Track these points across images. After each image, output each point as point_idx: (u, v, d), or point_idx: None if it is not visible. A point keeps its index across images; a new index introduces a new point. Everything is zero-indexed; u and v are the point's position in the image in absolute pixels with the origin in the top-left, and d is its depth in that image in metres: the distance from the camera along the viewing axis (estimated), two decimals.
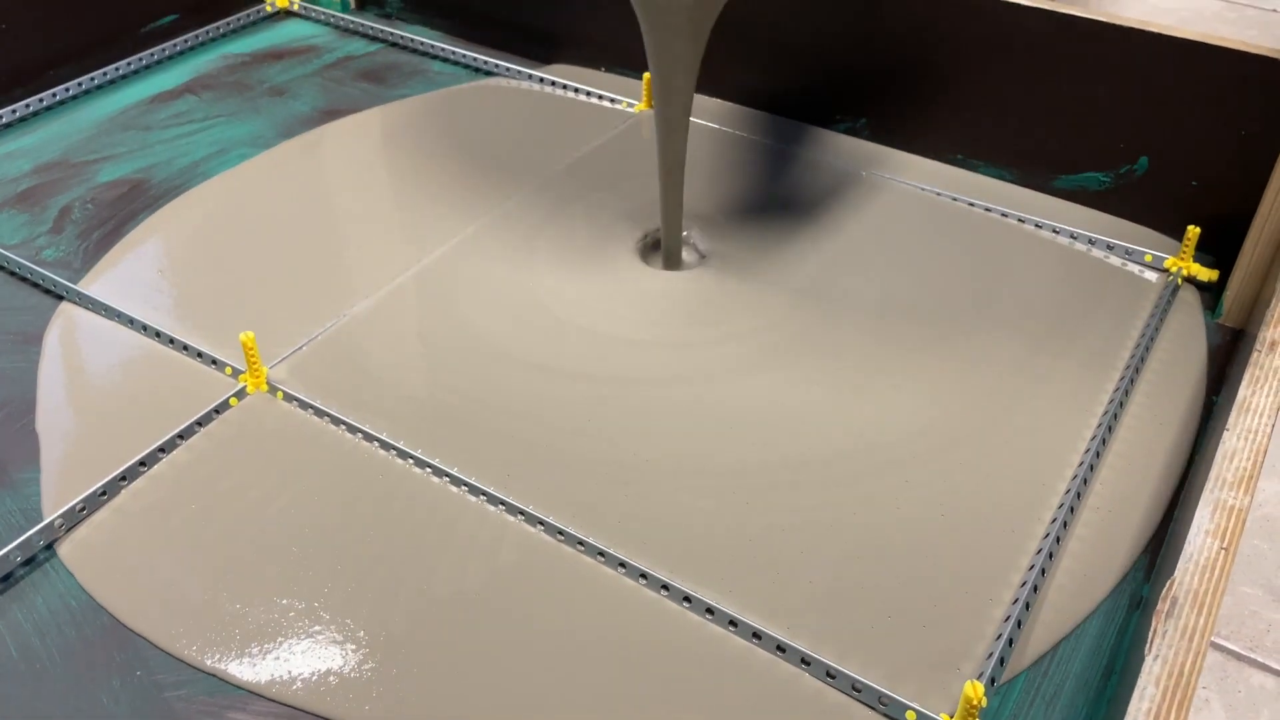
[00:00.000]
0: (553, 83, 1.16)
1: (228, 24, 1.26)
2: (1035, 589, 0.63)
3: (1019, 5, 0.93)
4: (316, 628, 0.61)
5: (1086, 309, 0.85)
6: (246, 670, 0.59)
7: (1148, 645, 0.43)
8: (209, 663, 0.59)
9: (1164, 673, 0.41)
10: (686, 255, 0.91)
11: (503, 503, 0.68)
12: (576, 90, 1.14)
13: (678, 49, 0.79)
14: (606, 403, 0.76)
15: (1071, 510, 0.68)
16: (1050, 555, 0.65)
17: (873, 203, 0.97)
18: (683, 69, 0.80)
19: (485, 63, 1.19)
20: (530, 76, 1.17)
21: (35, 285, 0.87)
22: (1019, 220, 0.95)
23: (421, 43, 1.23)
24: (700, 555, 0.65)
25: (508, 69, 1.18)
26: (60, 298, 0.86)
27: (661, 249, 0.89)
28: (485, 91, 1.17)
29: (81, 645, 0.60)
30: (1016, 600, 0.62)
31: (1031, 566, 0.64)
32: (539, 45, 1.22)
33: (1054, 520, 0.67)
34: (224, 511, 0.68)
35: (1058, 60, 0.93)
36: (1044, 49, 0.93)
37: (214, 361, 0.78)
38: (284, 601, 0.62)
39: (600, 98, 1.13)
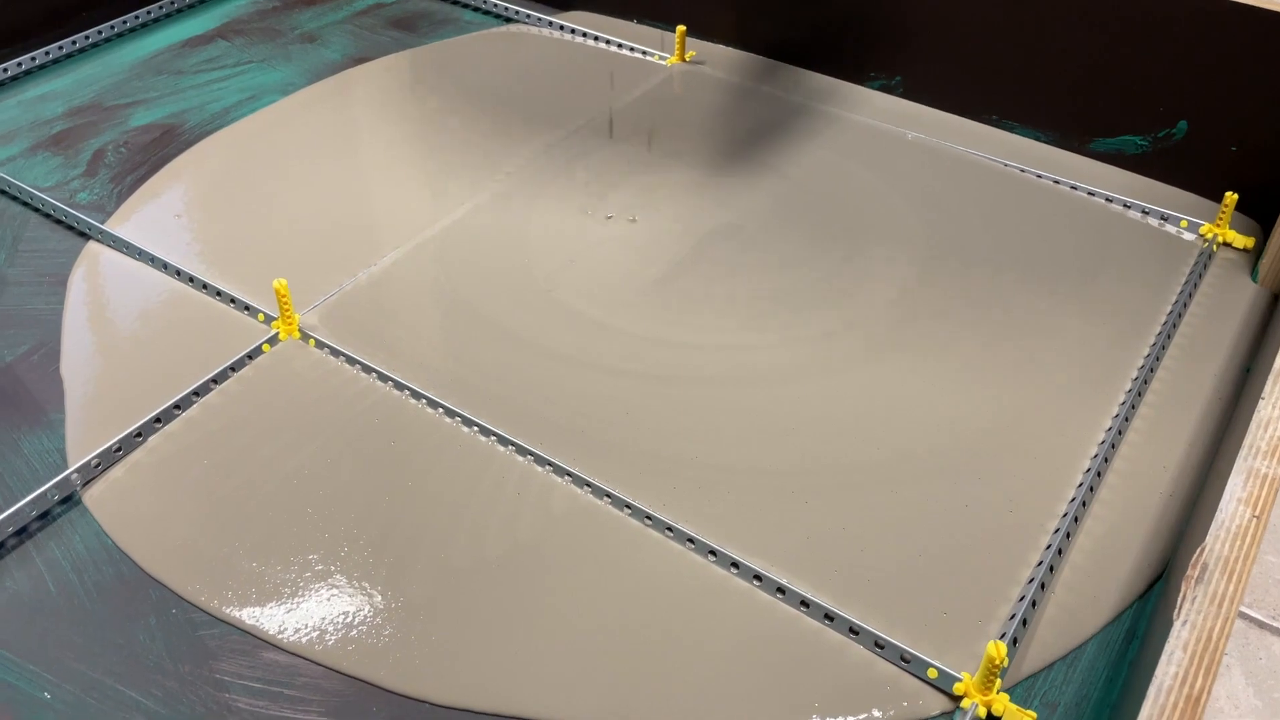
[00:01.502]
0: (583, 34, 1.15)
1: None
2: (1060, 551, 0.63)
3: None
4: (333, 590, 0.61)
5: (1122, 273, 0.84)
6: (266, 628, 0.59)
7: (1176, 610, 0.44)
8: (229, 612, 0.60)
9: (1192, 638, 0.42)
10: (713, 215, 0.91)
11: (531, 453, 0.68)
12: (608, 41, 1.13)
13: None
14: (645, 371, 0.75)
15: (1099, 475, 0.68)
16: (1076, 519, 0.65)
17: (907, 163, 0.96)
18: None
19: (516, 12, 1.18)
20: (562, 27, 1.16)
21: (70, 228, 0.87)
22: (1055, 182, 0.94)
23: None
24: (729, 517, 0.65)
25: (538, 19, 1.17)
26: (86, 237, 0.86)
27: None
28: (510, 38, 1.16)
29: (117, 582, 0.62)
30: (1041, 563, 0.62)
31: (1057, 530, 0.64)
32: None
33: (1081, 485, 0.67)
34: (251, 459, 0.68)
35: (1097, 21, 0.92)
36: (1084, 10, 0.92)
37: (246, 307, 0.79)
38: (304, 558, 0.63)
39: (632, 49, 1.12)
